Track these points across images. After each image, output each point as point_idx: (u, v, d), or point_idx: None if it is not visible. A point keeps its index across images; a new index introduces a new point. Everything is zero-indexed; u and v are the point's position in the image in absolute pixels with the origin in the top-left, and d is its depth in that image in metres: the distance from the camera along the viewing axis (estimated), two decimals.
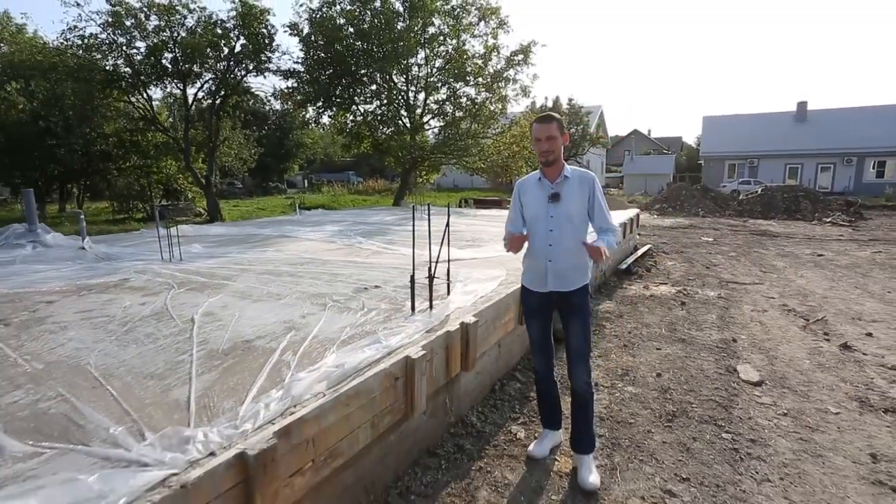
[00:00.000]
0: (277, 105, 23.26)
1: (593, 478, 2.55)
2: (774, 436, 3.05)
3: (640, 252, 9.61)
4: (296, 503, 1.84)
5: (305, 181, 44.05)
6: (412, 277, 3.08)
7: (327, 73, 16.91)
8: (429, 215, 3.17)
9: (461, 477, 2.67)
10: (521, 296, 2.85)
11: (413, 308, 3.13)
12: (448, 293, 3.34)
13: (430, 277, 3.04)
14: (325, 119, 19.31)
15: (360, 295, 3.78)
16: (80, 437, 1.75)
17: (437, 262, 3.09)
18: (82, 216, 7.22)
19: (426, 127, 19.06)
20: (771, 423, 3.20)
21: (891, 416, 3.27)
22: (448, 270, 3.35)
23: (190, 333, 2.93)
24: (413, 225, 3.25)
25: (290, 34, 17.09)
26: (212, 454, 1.61)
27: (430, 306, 3.10)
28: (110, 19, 13.93)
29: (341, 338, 2.75)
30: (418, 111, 18.45)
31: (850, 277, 7.81)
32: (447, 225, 3.07)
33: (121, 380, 2.28)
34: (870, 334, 4.99)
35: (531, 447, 2.87)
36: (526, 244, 2.61)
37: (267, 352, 2.59)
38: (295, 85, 17.32)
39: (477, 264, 5.00)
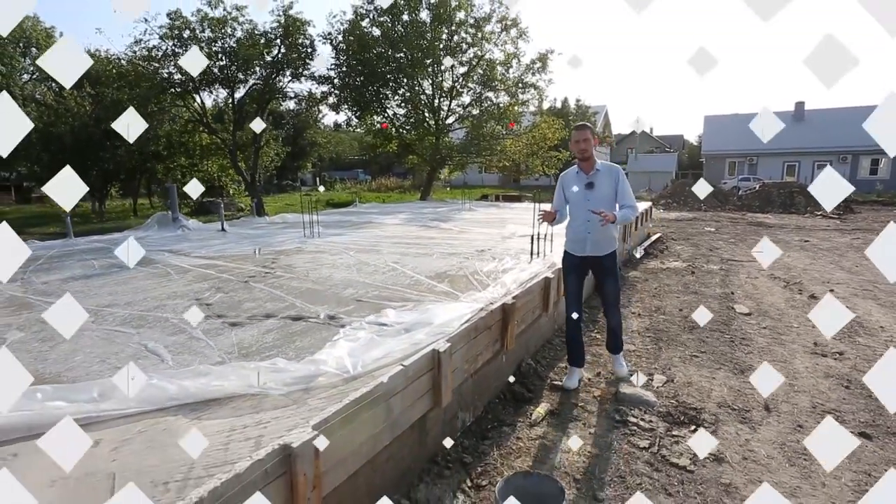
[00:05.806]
0: (292, 105, 24.84)
1: (622, 368, 3.83)
2: (756, 336, 4.92)
3: (653, 238, 11.48)
4: (517, 336, 3.69)
5: (317, 179, 45.52)
6: (532, 237, 4.95)
7: (359, 79, 18.75)
8: (535, 207, 5.02)
9: None
10: (563, 257, 3.69)
11: (531, 256, 5.00)
12: (551, 250, 5.21)
13: (543, 239, 4.92)
14: (355, 120, 21.15)
15: (482, 254, 5.64)
16: (416, 300, 3.61)
17: (542, 233, 4.95)
18: (221, 205, 9.07)
19: (451, 128, 20.89)
20: (754, 331, 5.07)
21: None
22: (550, 235, 5.22)
23: (400, 270, 4.78)
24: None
25: (324, 42, 19.01)
26: (491, 303, 3.45)
27: (542, 255, 4.96)
28: (170, 32, 15.85)
29: (499, 269, 4.62)
30: (442, 114, 20.26)
31: (829, 257, 9.66)
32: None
33: (394, 286, 4.12)
34: (832, 290, 6.85)
35: (564, 381, 3.72)
36: (567, 219, 3.55)
37: (461, 277, 4.45)
38: (329, 90, 19.19)
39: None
